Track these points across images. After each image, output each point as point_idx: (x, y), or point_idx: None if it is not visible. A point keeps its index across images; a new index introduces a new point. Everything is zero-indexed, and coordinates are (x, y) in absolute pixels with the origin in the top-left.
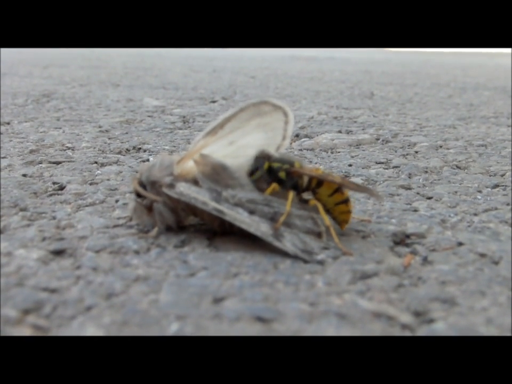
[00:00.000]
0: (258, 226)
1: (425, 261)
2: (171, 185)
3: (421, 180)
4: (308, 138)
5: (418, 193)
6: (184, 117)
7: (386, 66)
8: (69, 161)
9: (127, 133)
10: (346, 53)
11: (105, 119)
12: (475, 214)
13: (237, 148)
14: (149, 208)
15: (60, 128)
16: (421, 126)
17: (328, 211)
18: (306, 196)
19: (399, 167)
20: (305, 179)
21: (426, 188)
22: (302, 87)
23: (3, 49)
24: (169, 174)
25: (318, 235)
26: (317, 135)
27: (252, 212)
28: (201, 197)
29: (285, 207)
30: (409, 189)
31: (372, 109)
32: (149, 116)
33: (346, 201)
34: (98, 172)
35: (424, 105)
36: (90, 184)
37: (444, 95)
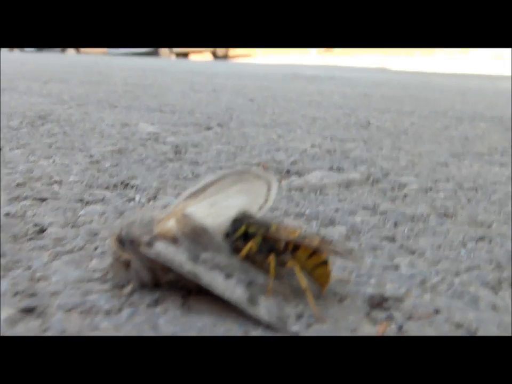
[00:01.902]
0: (234, 291)
1: (400, 330)
2: (149, 244)
3: (406, 231)
4: (297, 177)
5: (401, 247)
6: (176, 146)
7: (386, 89)
8: (54, 198)
9: (117, 165)
10: (347, 71)
11: (97, 148)
12: (456, 274)
13: (218, 209)
14: (127, 264)
15: (51, 157)
16: (413, 163)
17: (307, 273)
18: (285, 257)
19: (385, 213)
20: (282, 243)
21: (410, 240)
22: (299, 113)
23: (4, 63)
24: (149, 232)
25: (295, 298)
26: (308, 173)
27: (228, 276)
28: (178, 258)
29: (262, 276)
30: (393, 241)
31: (367, 142)
32: (141, 145)
33: (325, 262)
34: (82, 212)
35: (419, 138)
36: (72, 227)
37: (440, 125)
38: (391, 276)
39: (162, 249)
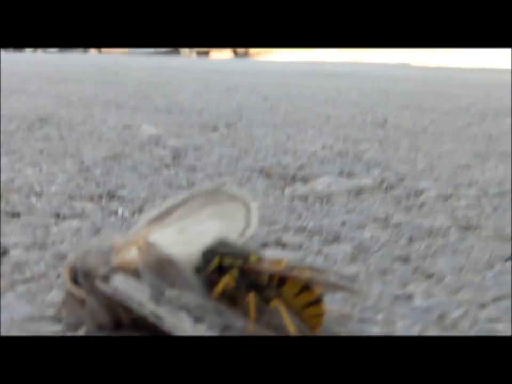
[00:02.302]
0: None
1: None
2: (106, 278)
3: (422, 247)
4: (302, 183)
5: (416, 269)
6: (176, 150)
7: (406, 84)
8: (28, 214)
9: (107, 173)
10: (368, 68)
11: (91, 153)
12: (482, 306)
13: (189, 236)
14: (82, 301)
15: (38, 164)
16: (432, 165)
17: (296, 314)
18: (269, 294)
19: (399, 226)
20: (265, 277)
21: (427, 261)
22: (314, 111)
23: (22, 62)
24: (107, 263)
25: None
26: (315, 179)
27: (198, 320)
28: (138, 295)
29: (240, 319)
30: (407, 261)
31: (382, 142)
32: (139, 149)
33: (317, 301)
34: (55, 229)
35: (439, 136)
36: (39, 248)
37: (462, 123)
38: (402, 310)
39: (121, 285)
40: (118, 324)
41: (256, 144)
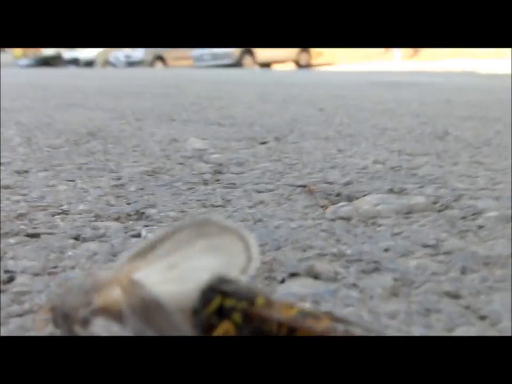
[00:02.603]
0: None
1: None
2: (86, 321)
3: (476, 281)
4: (347, 202)
5: (467, 308)
6: (219, 165)
7: (472, 94)
8: (48, 234)
9: (142, 189)
10: (432, 77)
11: (131, 168)
12: None
13: (181, 272)
14: None
15: (73, 180)
16: (494, 181)
17: None
18: None
19: (451, 254)
20: (273, 324)
21: (480, 298)
22: (369, 123)
23: (88, 77)
24: (87, 304)
25: None
26: (361, 197)
27: None
28: None
29: None
30: (457, 298)
31: (440, 156)
32: (180, 164)
33: None
34: (70, 253)
35: (504, 149)
36: (48, 274)
37: None
38: None
39: (100, 331)
40: None
41: (303, 158)
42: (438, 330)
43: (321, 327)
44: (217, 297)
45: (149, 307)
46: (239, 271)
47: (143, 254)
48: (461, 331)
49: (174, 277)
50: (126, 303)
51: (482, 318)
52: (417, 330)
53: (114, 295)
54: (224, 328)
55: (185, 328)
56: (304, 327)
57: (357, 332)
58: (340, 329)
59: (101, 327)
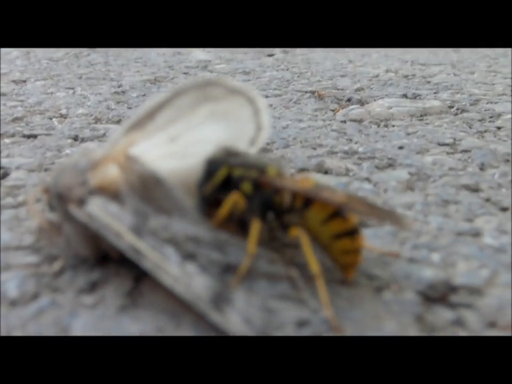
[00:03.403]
0: (191, 284)
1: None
2: (81, 201)
3: (496, 176)
4: (359, 106)
5: (487, 200)
6: (225, 74)
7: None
8: (46, 135)
9: (144, 95)
10: None
11: (132, 77)
12: None
13: (183, 145)
14: (59, 229)
15: (73, 88)
16: None
17: (323, 247)
18: (290, 220)
19: (469, 151)
20: (286, 195)
21: (501, 191)
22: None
23: None
24: (83, 183)
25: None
26: (374, 100)
27: (189, 257)
28: (116, 224)
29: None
30: (476, 191)
31: (455, 65)
32: (184, 73)
33: (352, 232)
34: (67, 152)
35: None
36: (45, 170)
37: None
38: (466, 249)
39: (97, 210)
40: (102, 257)
41: (312, 68)
42: (457, 220)
43: (339, 198)
44: (223, 167)
45: (148, 184)
46: (248, 142)
47: (140, 124)
48: (481, 221)
49: (175, 151)
50: (124, 181)
51: (504, 209)
52: (434, 220)
53: (111, 172)
54: (233, 199)
55: (187, 205)
56: (321, 197)
57: (374, 208)
58: (357, 200)
59: (98, 207)
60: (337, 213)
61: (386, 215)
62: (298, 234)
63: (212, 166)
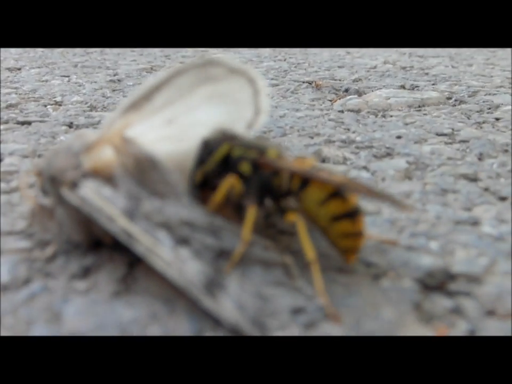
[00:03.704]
0: (184, 269)
1: (471, 334)
2: (74, 185)
3: (495, 166)
4: (356, 96)
5: (486, 190)
6: None
7: None
8: (40, 121)
9: (140, 84)
10: None
11: (128, 66)
12: None
13: (180, 127)
14: (51, 213)
15: (68, 76)
16: (510, 80)
17: (322, 231)
18: (289, 203)
19: (467, 141)
20: (284, 176)
21: (500, 181)
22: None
23: None
24: (76, 166)
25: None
26: (372, 91)
27: (183, 241)
28: (109, 207)
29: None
30: (475, 180)
31: (453, 58)
32: (180, 63)
33: (352, 214)
34: (62, 138)
35: None
36: (38, 156)
37: None
38: (465, 237)
39: (90, 194)
40: (96, 243)
41: (309, 58)
42: (455, 208)
43: (337, 179)
44: (224, 145)
45: (143, 166)
46: (246, 125)
47: (137, 105)
48: (480, 210)
49: (172, 134)
50: (118, 163)
51: (503, 199)
52: (433, 208)
53: (106, 155)
54: (229, 181)
55: (183, 189)
56: (319, 178)
57: (373, 189)
58: (356, 182)
59: (91, 190)
60: (336, 193)
61: (386, 196)
62: (295, 219)
63: (208, 147)
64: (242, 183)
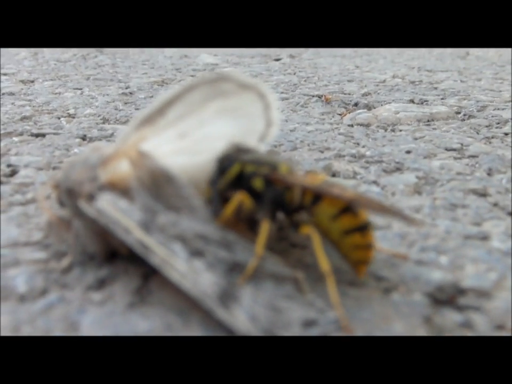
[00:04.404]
0: (198, 280)
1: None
2: (91, 197)
3: (504, 181)
4: (366, 110)
5: (495, 205)
6: None
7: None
8: (54, 134)
9: (151, 97)
10: None
11: (140, 79)
12: None
13: (193, 141)
14: (68, 224)
15: (80, 89)
16: None
17: (333, 244)
18: (302, 217)
19: (476, 157)
20: (296, 191)
21: (509, 196)
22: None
23: None
24: (93, 178)
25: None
26: (381, 105)
27: (197, 254)
28: (125, 219)
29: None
30: (484, 195)
31: (462, 72)
32: (191, 76)
33: (362, 228)
34: (76, 151)
35: None
36: (53, 169)
37: None
38: (474, 252)
39: (106, 206)
40: (111, 254)
41: (319, 72)
42: (465, 223)
43: (348, 195)
44: (236, 164)
45: (158, 180)
46: (258, 138)
47: (151, 120)
48: (489, 225)
49: (185, 147)
50: (134, 177)
51: (511, 214)
52: (442, 223)
53: (122, 168)
54: (238, 198)
55: (198, 203)
56: (332, 193)
57: (383, 205)
58: (367, 197)
59: (108, 203)
60: (347, 208)
61: (396, 212)
62: (309, 232)
63: (223, 163)
64: (254, 199)
